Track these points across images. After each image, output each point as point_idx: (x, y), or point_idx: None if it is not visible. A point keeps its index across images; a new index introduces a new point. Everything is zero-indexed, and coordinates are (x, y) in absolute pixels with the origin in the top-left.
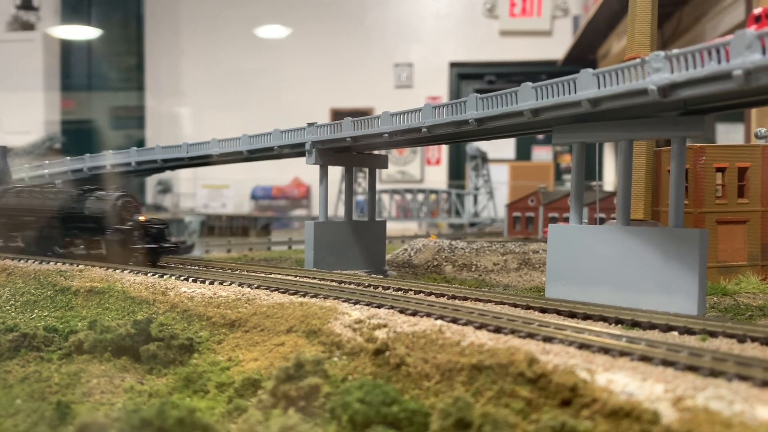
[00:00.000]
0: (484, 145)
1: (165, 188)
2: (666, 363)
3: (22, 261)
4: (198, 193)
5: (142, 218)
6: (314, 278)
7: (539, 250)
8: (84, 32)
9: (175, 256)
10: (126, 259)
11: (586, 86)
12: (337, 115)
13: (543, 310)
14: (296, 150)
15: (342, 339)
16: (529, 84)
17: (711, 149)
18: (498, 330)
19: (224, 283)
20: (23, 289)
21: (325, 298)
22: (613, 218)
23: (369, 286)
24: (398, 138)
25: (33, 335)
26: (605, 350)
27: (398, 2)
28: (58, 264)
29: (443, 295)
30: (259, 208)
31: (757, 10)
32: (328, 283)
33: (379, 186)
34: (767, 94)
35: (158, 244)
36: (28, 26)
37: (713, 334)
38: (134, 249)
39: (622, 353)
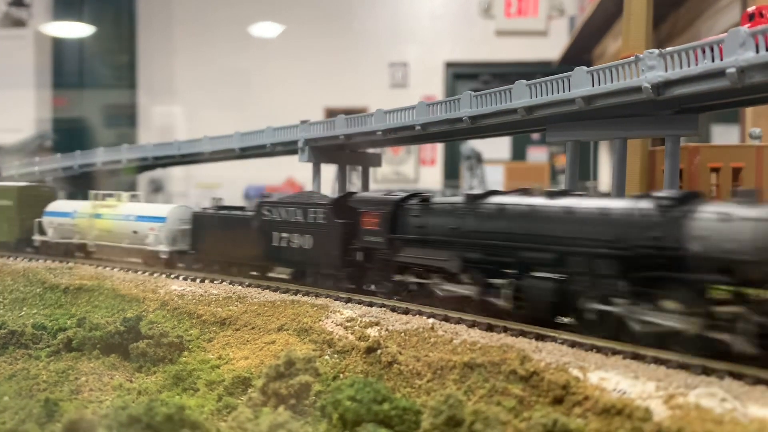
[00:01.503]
0: (479, 146)
1: (157, 187)
2: (658, 361)
3: (11, 258)
4: (190, 192)
5: None
6: None
7: None
8: (76, 29)
9: None
10: None
11: (580, 84)
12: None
13: None
14: (289, 148)
15: (333, 337)
16: (523, 82)
17: (705, 149)
18: (490, 328)
19: (215, 281)
20: (12, 286)
21: (317, 296)
22: None
23: None
24: (392, 136)
25: (21, 332)
26: (598, 348)
27: (394, 2)
28: (47, 261)
29: None
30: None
31: (750, 8)
32: None
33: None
34: (760, 92)
35: None
36: (20, 23)
37: None
38: None
39: (615, 351)
